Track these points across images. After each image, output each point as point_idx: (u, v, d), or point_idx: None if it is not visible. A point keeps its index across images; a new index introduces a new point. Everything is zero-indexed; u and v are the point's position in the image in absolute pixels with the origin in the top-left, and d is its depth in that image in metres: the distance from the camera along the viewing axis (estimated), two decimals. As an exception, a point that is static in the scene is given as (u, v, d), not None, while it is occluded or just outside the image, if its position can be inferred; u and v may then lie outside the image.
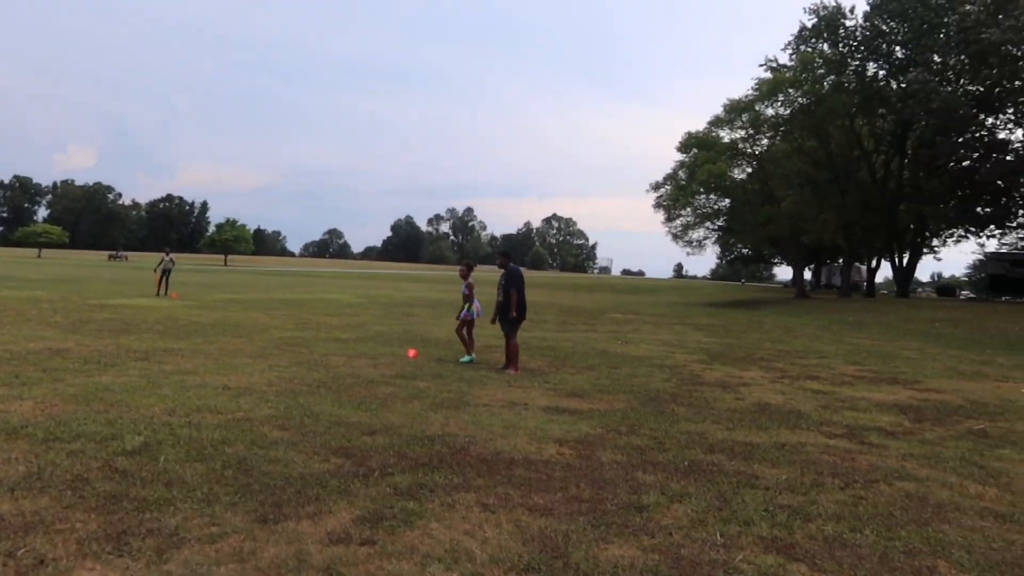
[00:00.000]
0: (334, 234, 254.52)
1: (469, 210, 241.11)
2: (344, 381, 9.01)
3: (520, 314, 10.60)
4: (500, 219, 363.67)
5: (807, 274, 67.82)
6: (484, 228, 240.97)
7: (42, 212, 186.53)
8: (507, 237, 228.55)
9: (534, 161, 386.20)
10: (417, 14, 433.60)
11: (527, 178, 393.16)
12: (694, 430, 7.18)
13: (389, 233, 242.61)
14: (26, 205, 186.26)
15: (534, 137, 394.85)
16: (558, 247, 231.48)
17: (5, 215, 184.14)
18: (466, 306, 12.07)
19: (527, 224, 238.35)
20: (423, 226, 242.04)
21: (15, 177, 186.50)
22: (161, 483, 4.66)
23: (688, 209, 50.51)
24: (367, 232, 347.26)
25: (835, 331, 24.53)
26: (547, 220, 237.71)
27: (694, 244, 53.75)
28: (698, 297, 59.66)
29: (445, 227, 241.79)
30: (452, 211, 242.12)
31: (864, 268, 60.93)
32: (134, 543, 3.72)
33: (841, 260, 59.55)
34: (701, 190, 47.84)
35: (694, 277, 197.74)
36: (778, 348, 17.07)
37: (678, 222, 52.10)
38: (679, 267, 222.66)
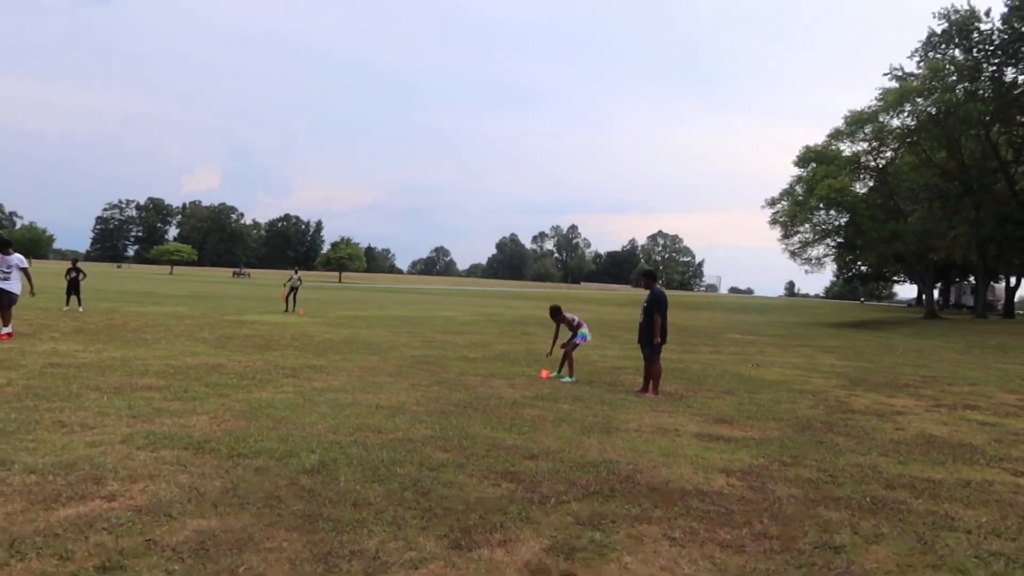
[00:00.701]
0: (441, 251, 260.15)
1: (573, 227, 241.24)
2: (488, 402, 9.06)
3: (663, 339, 10.41)
4: (604, 236, 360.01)
5: (935, 293, 63.95)
6: (588, 245, 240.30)
7: (172, 231, 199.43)
8: (611, 254, 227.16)
9: (637, 176, 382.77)
10: (520, 32, 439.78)
11: (631, 193, 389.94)
12: (864, 463, 6.80)
13: (494, 251, 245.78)
14: (158, 225, 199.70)
15: (638, 152, 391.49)
16: (664, 264, 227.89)
17: (140, 234, 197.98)
18: (574, 333, 12.08)
19: (632, 241, 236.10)
20: (527, 244, 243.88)
21: (149, 199, 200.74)
22: (348, 503, 4.76)
23: (807, 225, 48.70)
24: (473, 249, 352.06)
25: (977, 355, 22.97)
26: (652, 237, 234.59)
27: (813, 262, 51.78)
28: (816, 317, 57.34)
29: (549, 244, 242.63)
30: (556, 228, 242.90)
31: (1000, 287, 57.09)
32: (342, 565, 3.80)
33: (973, 278, 56.01)
34: (821, 206, 46.02)
35: (807, 295, 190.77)
36: (920, 373, 16.09)
37: (795, 239, 50.35)
38: (791, 285, 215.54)
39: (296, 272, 28.93)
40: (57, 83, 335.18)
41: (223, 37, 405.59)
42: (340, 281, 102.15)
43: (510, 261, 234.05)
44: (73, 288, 21.94)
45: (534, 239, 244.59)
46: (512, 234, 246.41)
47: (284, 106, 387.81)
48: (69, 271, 22.32)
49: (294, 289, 27.51)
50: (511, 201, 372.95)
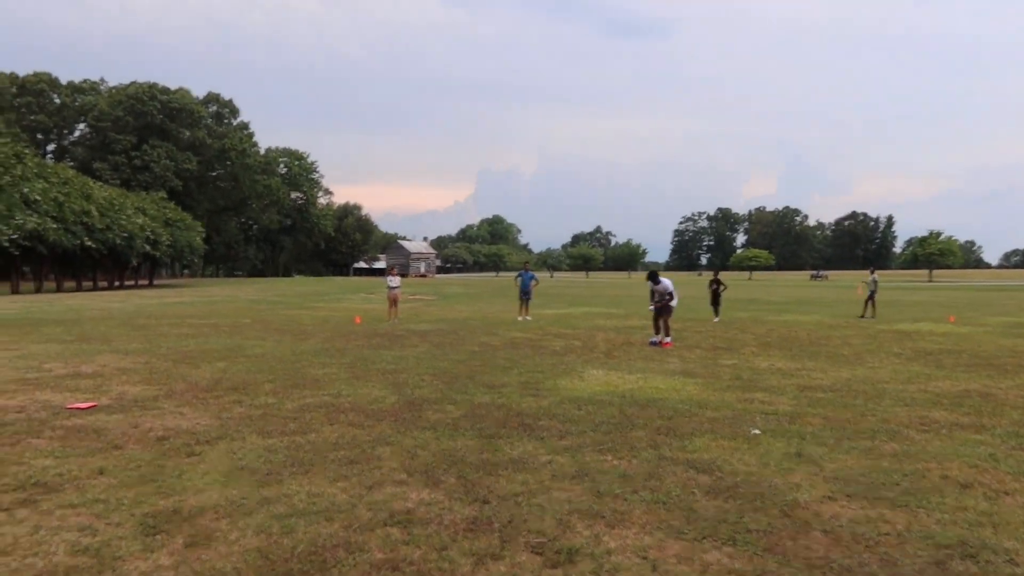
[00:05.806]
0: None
1: None
2: None
3: None
4: None
5: None
6: None
7: (739, 238, 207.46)
8: None
9: None
10: None
11: None
12: None
13: None
14: (727, 233, 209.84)
15: None
16: None
17: (711, 243, 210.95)
18: None
19: None
20: None
21: (718, 209, 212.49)
22: None
23: None
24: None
25: None
26: None
27: None
28: None
29: None
30: None
31: None
32: None
33: None
34: None
35: None
36: None
37: None
38: None
39: (872, 272, 25.45)
40: (630, 117, 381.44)
41: (771, 43, 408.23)
42: (930, 280, 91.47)
43: None
44: (715, 299, 22.42)
45: None
46: None
47: (835, 101, 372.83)
48: (711, 283, 22.93)
49: (872, 292, 24.09)
50: None
